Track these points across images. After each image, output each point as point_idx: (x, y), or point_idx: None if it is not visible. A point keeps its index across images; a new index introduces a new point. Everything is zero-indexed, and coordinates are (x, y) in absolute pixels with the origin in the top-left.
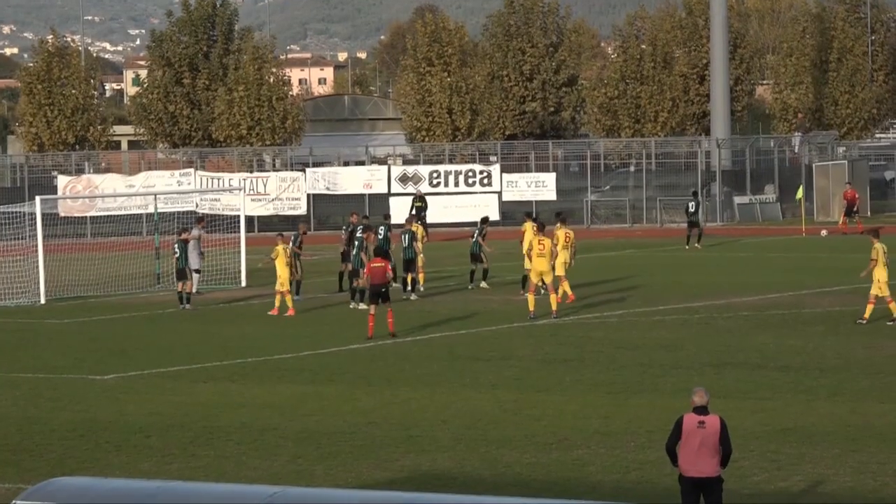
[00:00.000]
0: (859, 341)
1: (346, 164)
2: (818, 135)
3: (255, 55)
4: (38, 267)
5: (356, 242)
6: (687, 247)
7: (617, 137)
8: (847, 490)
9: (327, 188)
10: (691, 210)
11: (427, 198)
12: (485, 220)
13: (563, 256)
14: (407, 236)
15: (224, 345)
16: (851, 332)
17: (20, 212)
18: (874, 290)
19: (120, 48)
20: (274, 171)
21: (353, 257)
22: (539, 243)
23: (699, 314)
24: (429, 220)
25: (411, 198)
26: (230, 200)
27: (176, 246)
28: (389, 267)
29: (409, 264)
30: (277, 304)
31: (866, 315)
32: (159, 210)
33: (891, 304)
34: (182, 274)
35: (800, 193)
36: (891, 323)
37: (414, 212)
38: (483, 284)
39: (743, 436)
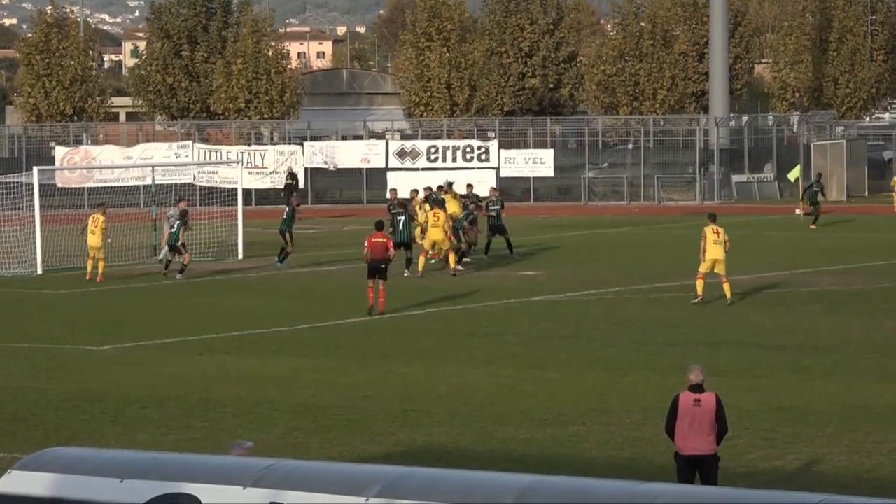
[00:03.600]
0: (856, 321)
1: (344, 138)
2: (817, 114)
3: (253, 28)
4: (35, 237)
5: (401, 217)
6: (814, 226)
7: (615, 115)
8: (842, 469)
9: (325, 162)
10: (815, 189)
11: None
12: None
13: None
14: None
15: (221, 317)
16: (848, 312)
17: (18, 182)
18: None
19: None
20: (272, 144)
21: (402, 229)
22: (434, 215)
23: (694, 292)
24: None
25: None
26: (228, 173)
27: (176, 223)
28: (391, 243)
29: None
30: None
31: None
32: (157, 182)
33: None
34: (172, 249)
35: (795, 173)
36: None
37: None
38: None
39: (738, 414)
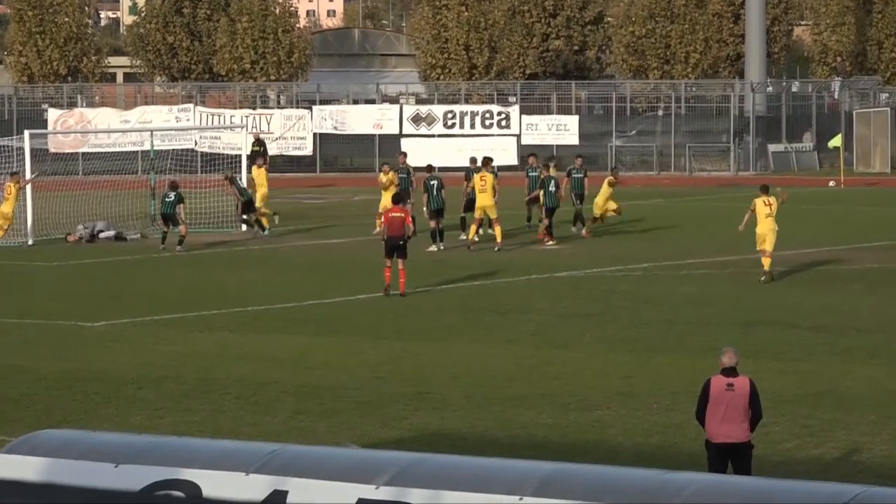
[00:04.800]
0: None
1: (356, 102)
2: (860, 80)
3: None
4: (25, 206)
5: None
6: None
7: (644, 79)
8: (883, 459)
9: (335, 127)
10: None
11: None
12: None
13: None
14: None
15: (222, 292)
16: (892, 291)
17: (8, 146)
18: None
19: None
20: (278, 108)
21: (436, 195)
22: (481, 179)
23: (729, 268)
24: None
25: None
26: (231, 139)
27: (172, 193)
28: (410, 218)
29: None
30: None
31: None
32: (156, 147)
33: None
34: (169, 218)
35: (836, 141)
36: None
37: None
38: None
39: (773, 399)
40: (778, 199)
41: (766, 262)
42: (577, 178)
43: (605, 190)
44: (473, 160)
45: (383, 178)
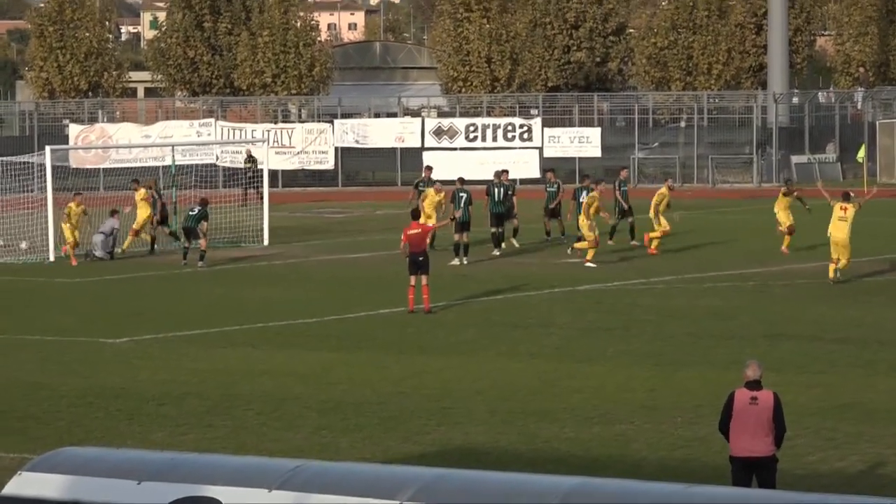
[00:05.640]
0: None
1: (377, 115)
2: (883, 90)
3: None
4: (47, 222)
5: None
6: None
7: (667, 91)
8: None
9: (356, 141)
10: None
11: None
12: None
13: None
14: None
15: (244, 308)
16: None
17: (29, 162)
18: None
19: None
20: (300, 122)
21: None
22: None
23: (753, 281)
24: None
25: (244, 158)
26: (253, 153)
27: (197, 208)
28: (428, 233)
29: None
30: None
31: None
32: (177, 162)
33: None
34: (191, 232)
35: (862, 153)
36: None
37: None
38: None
39: (797, 412)
40: (854, 207)
41: (831, 269)
42: (624, 191)
43: (662, 198)
44: (497, 174)
45: (434, 196)
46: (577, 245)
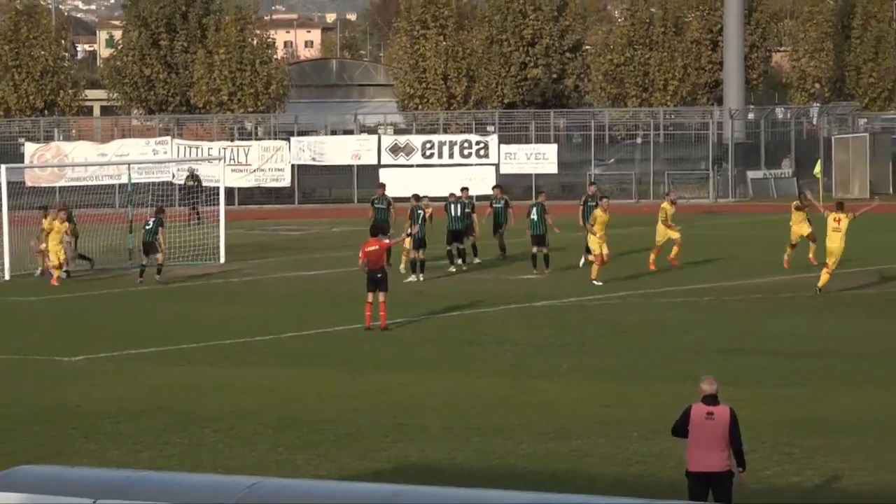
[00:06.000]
0: (877, 325)
1: (334, 133)
2: (838, 105)
3: (237, 15)
4: (2, 240)
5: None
6: None
7: (623, 107)
8: (863, 486)
9: (313, 158)
10: None
11: (392, 170)
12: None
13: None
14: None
15: (201, 325)
16: (869, 316)
17: None
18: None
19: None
20: (256, 139)
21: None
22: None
23: (708, 296)
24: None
25: (186, 176)
26: (209, 171)
27: (152, 220)
28: (385, 244)
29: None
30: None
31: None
32: (133, 181)
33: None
34: (150, 247)
35: (818, 168)
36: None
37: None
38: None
39: (753, 427)
40: (848, 218)
41: (823, 278)
42: (590, 206)
43: (669, 214)
44: (453, 195)
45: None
46: (589, 258)
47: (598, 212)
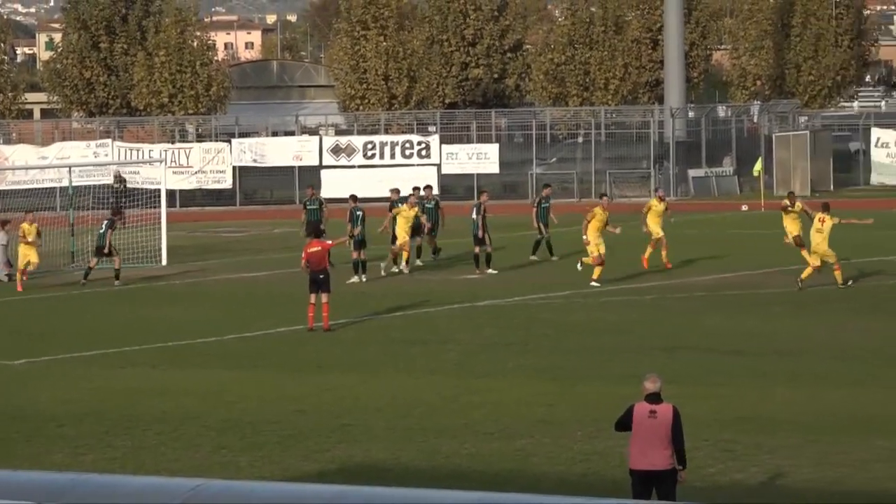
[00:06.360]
0: (818, 322)
1: (275, 134)
2: (779, 103)
3: (176, 18)
4: None
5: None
6: None
7: (564, 106)
8: (806, 482)
9: (254, 160)
10: None
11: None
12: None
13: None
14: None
15: (143, 328)
16: (810, 313)
17: None
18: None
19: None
20: (197, 141)
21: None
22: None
23: (650, 295)
24: (363, 194)
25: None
26: (150, 173)
27: (104, 223)
28: (327, 245)
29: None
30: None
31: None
32: (74, 184)
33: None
34: (99, 251)
35: (758, 166)
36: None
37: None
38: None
39: (696, 424)
40: (832, 220)
41: (806, 272)
42: (545, 207)
43: (655, 210)
44: (395, 191)
45: (409, 211)
46: (585, 260)
47: (597, 210)
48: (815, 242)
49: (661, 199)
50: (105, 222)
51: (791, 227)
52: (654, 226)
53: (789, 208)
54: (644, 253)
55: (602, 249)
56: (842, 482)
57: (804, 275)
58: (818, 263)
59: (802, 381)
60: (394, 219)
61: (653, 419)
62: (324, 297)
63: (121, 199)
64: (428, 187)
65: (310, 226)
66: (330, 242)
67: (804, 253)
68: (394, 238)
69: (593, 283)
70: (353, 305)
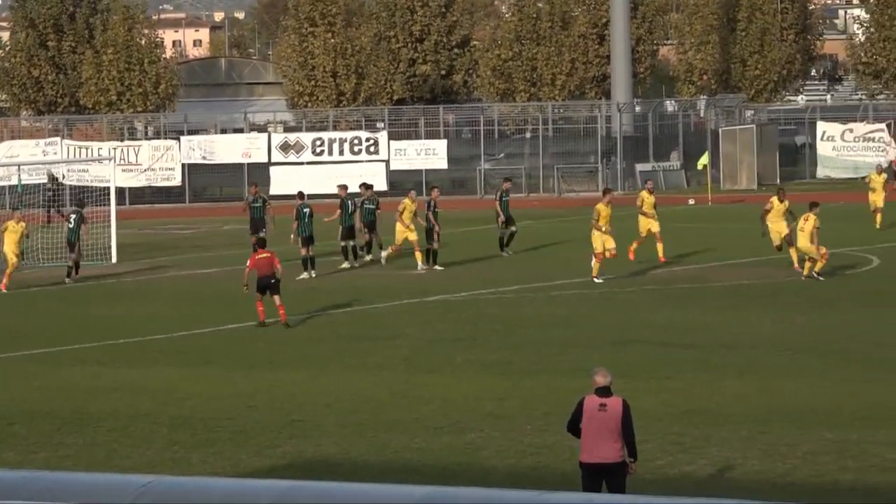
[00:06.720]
0: (768, 316)
1: (224, 131)
2: (725, 97)
3: (124, 15)
4: None
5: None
6: None
7: (512, 102)
8: (755, 473)
9: (203, 157)
10: None
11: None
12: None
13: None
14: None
15: (94, 325)
16: (759, 307)
17: None
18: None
19: None
20: (146, 139)
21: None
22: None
23: (599, 289)
24: (312, 190)
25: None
26: (100, 171)
27: (73, 217)
28: (276, 259)
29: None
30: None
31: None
32: (23, 182)
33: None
34: (73, 246)
35: (703, 160)
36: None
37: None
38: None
39: (645, 417)
40: (816, 223)
41: (806, 266)
42: (505, 201)
43: (647, 202)
44: (343, 187)
45: (411, 205)
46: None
47: (600, 206)
48: (798, 240)
49: (651, 192)
50: (73, 217)
51: (778, 226)
52: (647, 221)
53: (778, 204)
54: (631, 244)
55: (610, 244)
56: (790, 474)
57: (806, 270)
58: (807, 259)
59: (751, 374)
60: (400, 213)
61: (603, 412)
62: (276, 300)
63: (55, 199)
64: (364, 185)
65: (253, 223)
66: (277, 263)
67: (792, 251)
68: (366, 229)
69: (595, 280)
70: (304, 301)
